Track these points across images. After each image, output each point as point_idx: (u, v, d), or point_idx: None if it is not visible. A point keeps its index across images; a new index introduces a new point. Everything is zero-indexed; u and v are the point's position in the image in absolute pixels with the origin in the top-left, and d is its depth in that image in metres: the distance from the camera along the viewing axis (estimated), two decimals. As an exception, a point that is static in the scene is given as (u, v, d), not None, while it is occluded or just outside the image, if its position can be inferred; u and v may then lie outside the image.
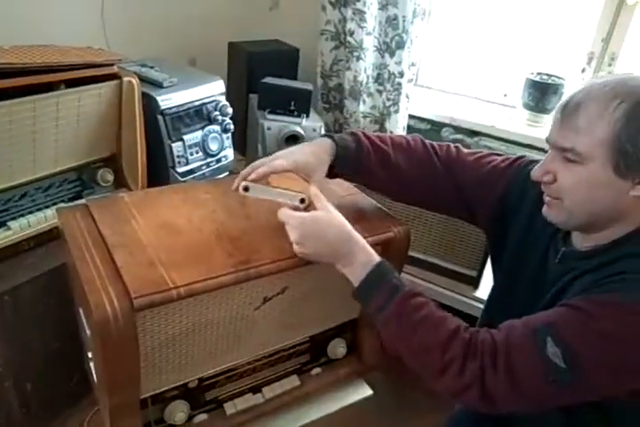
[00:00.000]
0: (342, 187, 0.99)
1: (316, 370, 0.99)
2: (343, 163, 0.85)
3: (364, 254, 0.73)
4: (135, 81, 1.14)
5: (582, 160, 0.66)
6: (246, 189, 0.80)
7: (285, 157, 0.81)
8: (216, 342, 0.80)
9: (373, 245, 0.82)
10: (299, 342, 0.94)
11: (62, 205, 1.17)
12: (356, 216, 0.88)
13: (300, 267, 0.78)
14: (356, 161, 0.85)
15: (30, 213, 1.12)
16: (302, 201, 0.81)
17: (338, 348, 0.98)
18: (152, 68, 1.32)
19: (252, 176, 0.79)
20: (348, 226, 0.75)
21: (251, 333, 0.83)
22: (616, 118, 0.63)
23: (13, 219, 1.09)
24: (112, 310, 0.65)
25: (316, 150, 0.83)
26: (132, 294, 0.66)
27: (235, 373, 0.89)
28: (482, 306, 1.31)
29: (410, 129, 1.77)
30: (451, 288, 1.32)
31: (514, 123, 1.69)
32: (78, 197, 1.20)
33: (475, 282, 1.30)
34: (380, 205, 0.95)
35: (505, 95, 1.84)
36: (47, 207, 1.15)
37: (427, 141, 0.90)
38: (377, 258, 0.73)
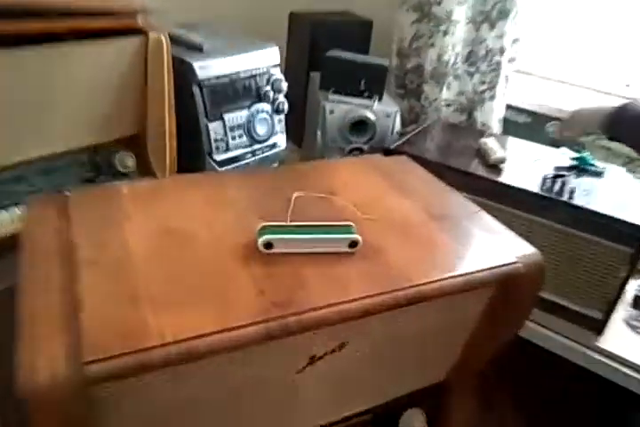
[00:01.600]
0: (425, 183, 0.68)
1: (379, 449, 0.69)
2: None
3: None
4: (165, 39, 0.88)
5: None
6: (269, 245, 0.52)
7: None
8: (233, 422, 0.52)
9: (487, 284, 0.51)
10: (358, 412, 0.64)
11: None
12: (454, 230, 0.58)
13: (369, 315, 0.49)
14: None
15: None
16: (353, 245, 0.53)
17: (414, 421, 0.68)
18: (193, 29, 1.06)
19: None
20: None
21: (288, 405, 0.55)
22: None
23: (3, 208, 0.86)
24: (49, 379, 0.37)
25: None
26: (84, 354, 0.38)
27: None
28: (605, 360, 0.97)
29: (505, 121, 1.44)
30: (565, 333, 0.98)
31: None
32: (91, 182, 0.96)
33: (598, 326, 0.96)
34: (494, 219, 0.63)
35: (627, 86, 1.48)
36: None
37: None
38: None
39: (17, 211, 0.86)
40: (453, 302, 0.56)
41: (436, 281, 0.51)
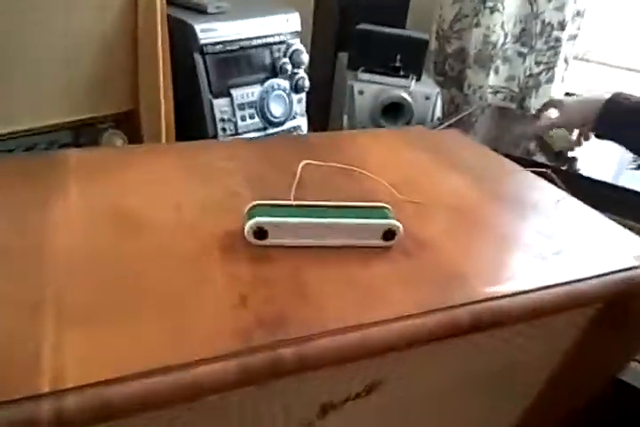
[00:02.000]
0: (484, 158, 0.50)
1: None
2: None
3: None
4: (159, -8, 0.73)
5: None
6: (261, 233, 0.34)
7: None
8: None
9: (595, 300, 0.33)
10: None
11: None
12: (533, 218, 0.40)
13: (411, 347, 0.30)
14: None
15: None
16: (390, 236, 0.35)
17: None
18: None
19: None
20: None
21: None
22: None
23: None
24: None
25: None
26: None
27: None
28: None
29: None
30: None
31: None
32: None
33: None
34: (603, 217, 0.44)
35: None
36: (21, 182, 0.77)
37: None
38: None
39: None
40: (538, 327, 0.37)
41: (518, 294, 0.32)
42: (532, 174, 0.50)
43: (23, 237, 0.34)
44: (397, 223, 0.35)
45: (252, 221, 0.34)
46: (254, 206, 0.35)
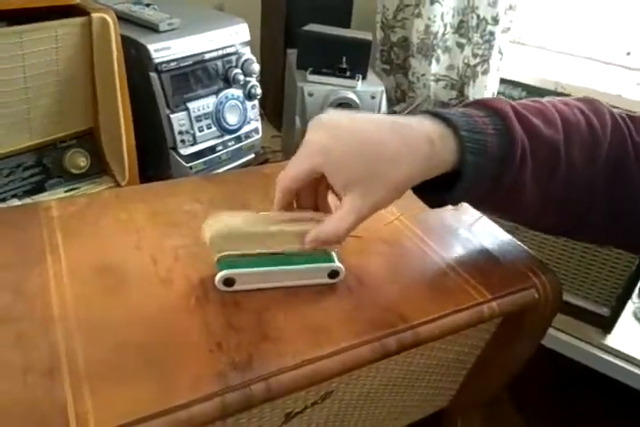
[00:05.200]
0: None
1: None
2: (472, 180, 0.40)
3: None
4: (111, 19, 0.76)
5: None
6: (229, 281, 0.42)
7: (331, 165, 0.38)
8: None
9: (497, 316, 0.43)
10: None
11: (15, 202, 0.82)
12: (455, 247, 0.49)
13: (355, 370, 0.39)
14: (498, 175, 0.40)
15: (-37, 214, 0.77)
16: (334, 275, 0.44)
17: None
18: (148, 6, 0.93)
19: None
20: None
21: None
22: None
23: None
24: None
25: (409, 149, 0.38)
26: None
27: None
28: (614, 360, 0.90)
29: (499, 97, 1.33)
30: (570, 331, 0.90)
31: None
32: (39, 189, 0.85)
33: (606, 324, 0.89)
34: (509, 236, 0.53)
35: (628, 54, 1.37)
36: (-10, 206, 0.80)
37: (611, 109, 0.46)
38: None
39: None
40: (456, 337, 0.47)
41: (434, 320, 0.41)
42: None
43: (21, 298, 0.40)
44: (340, 265, 0.43)
45: (221, 273, 0.41)
46: (222, 257, 0.42)
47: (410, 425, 0.61)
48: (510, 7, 1.22)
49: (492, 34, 1.21)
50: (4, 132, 0.77)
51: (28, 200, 0.83)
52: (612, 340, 0.89)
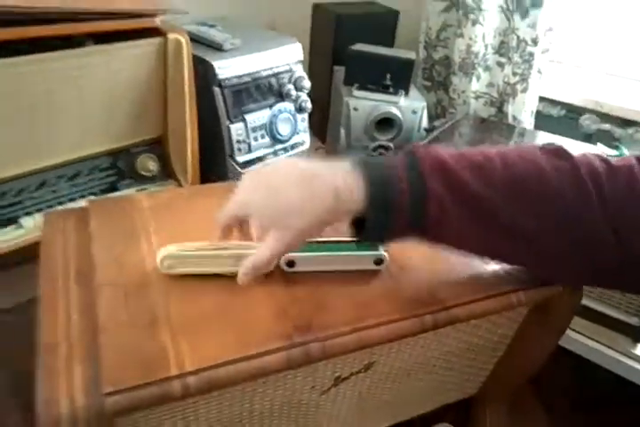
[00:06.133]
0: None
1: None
2: (373, 233, 0.44)
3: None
4: (184, 40, 0.86)
5: None
6: (291, 263, 0.49)
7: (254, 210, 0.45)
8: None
9: (524, 304, 0.49)
10: (384, 428, 0.62)
11: (92, 198, 0.93)
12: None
13: (394, 340, 0.46)
14: (411, 228, 0.44)
15: (50, 207, 0.89)
16: (379, 262, 0.51)
17: (441, 437, 0.66)
18: (213, 26, 1.04)
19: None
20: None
21: (313, 423, 0.53)
22: None
23: (28, 214, 0.86)
24: (69, 412, 0.36)
25: (313, 203, 0.42)
26: (103, 385, 0.37)
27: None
28: (643, 369, 0.92)
29: (538, 115, 1.38)
30: (600, 339, 0.94)
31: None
32: (113, 189, 0.96)
33: (635, 333, 0.92)
34: None
35: (669, 73, 1.39)
36: (72, 200, 0.92)
37: (578, 157, 0.44)
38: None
39: (40, 219, 0.87)
40: (486, 323, 0.53)
41: (467, 303, 0.48)
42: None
43: (124, 268, 0.49)
44: (385, 253, 0.51)
45: (284, 256, 0.49)
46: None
47: (441, 413, 0.67)
48: (550, 29, 1.28)
49: (531, 54, 1.27)
50: (86, 137, 0.88)
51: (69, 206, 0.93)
52: (643, 349, 0.92)
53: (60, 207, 0.89)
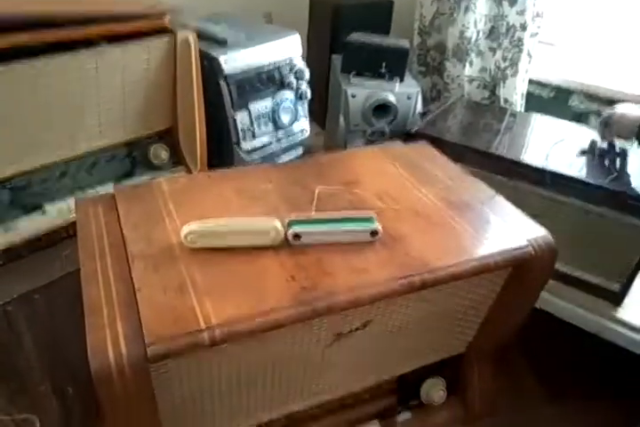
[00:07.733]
0: (444, 169, 0.72)
1: (405, 415, 0.76)
2: None
3: None
4: (192, 37, 0.93)
5: None
6: (297, 236, 0.57)
7: None
8: (269, 390, 0.59)
9: (500, 267, 0.56)
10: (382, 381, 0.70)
11: (110, 184, 1.00)
12: (471, 216, 0.62)
13: (388, 298, 0.54)
14: None
15: (71, 194, 0.96)
16: (374, 234, 0.58)
17: (435, 390, 0.74)
18: (216, 23, 1.10)
19: None
20: None
21: (317, 375, 0.61)
22: None
23: (50, 201, 0.94)
24: (116, 359, 0.44)
25: None
26: (145, 337, 0.45)
27: (297, 419, 0.67)
28: (625, 331, 1.00)
29: (529, 96, 1.44)
30: (581, 304, 1.02)
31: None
32: (129, 175, 1.03)
33: (616, 298, 0.99)
34: (509, 203, 0.67)
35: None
36: (92, 188, 0.99)
37: None
38: None
39: (62, 206, 0.94)
40: (470, 285, 0.61)
41: (449, 266, 0.55)
42: (474, 178, 0.72)
43: (152, 243, 0.56)
44: (379, 226, 0.58)
45: (291, 230, 0.56)
46: (292, 219, 0.58)
47: (436, 368, 0.74)
48: (537, 14, 1.33)
49: (520, 40, 1.32)
50: (105, 128, 0.95)
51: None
52: (623, 312, 1.00)
53: (81, 194, 0.96)
